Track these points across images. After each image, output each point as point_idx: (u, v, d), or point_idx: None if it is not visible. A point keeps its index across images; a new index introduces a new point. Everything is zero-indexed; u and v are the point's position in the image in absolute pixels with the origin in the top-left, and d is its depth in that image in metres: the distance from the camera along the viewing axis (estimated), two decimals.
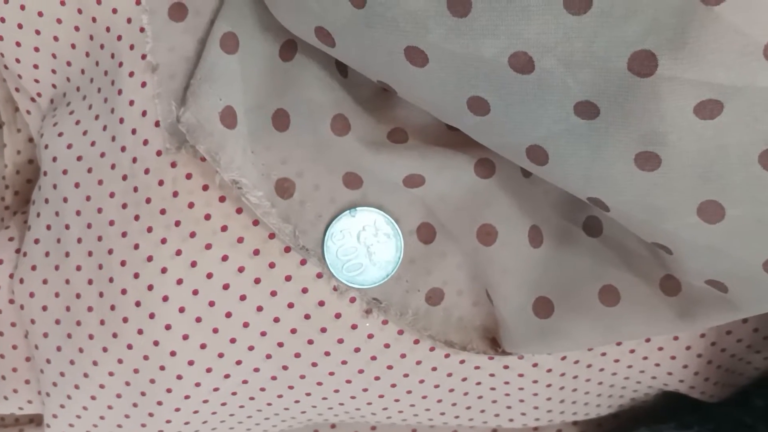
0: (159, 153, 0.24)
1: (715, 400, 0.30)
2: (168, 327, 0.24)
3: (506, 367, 0.26)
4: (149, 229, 0.24)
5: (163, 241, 0.24)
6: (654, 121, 0.18)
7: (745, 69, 0.17)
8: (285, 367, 0.25)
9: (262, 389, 0.26)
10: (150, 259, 0.24)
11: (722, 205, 0.19)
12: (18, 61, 0.27)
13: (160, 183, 0.24)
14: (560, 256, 0.24)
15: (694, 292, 0.22)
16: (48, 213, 0.27)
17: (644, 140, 0.19)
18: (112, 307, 0.25)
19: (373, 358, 0.25)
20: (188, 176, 0.24)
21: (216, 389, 0.26)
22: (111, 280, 0.25)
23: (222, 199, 0.24)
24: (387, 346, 0.25)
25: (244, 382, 0.26)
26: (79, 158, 0.26)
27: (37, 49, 0.27)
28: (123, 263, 0.25)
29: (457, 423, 0.29)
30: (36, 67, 0.27)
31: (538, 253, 0.24)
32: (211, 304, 0.24)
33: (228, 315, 0.24)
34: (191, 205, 0.24)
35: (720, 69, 0.17)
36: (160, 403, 0.26)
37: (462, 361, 0.26)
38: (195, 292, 0.24)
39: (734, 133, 0.18)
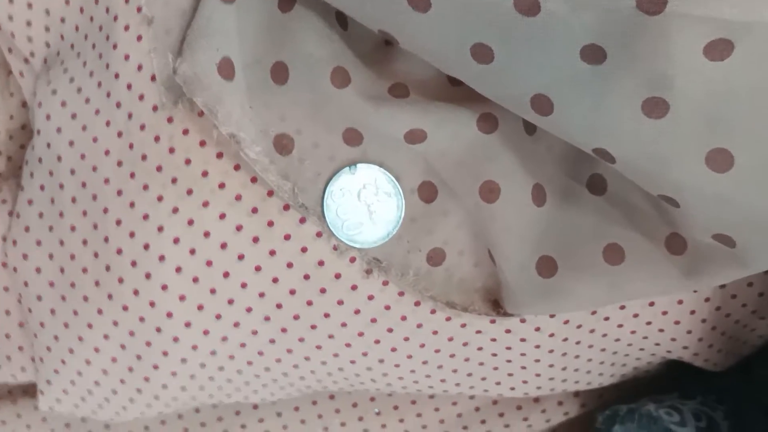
0: (155, 108, 0.24)
1: (718, 368, 0.30)
2: (164, 288, 0.24)
3: (508, 331, 0.26)
4: (145, 187, 0.24)
5: (160, 198, 0.24)
6: (662, 64, 0.18)
7: (754, 3, 0.17)
8: (284, 330, 0.25)
9: (261, 353, 0.26)
10: (146, 217, 0.24)
11: (731, 153, 0.19)
12: (11, 18, 0.27)
13: (156, 139, 0.24)
14: (564, 215, 0.24)
15: (700, 249, 0.22)
16: (41, 173, 0.26)
17: (652, 85, 0.18)
18: (107, 268, 0.24)
19: (373, 320, 0.25)
20: (185, 132, 0.23)
21: (213, 353, 0.25)
22: (106, 239, 0.24)
23: (219, 155, 0.23)
24: (387, 308, 0.25)
25: (242, 345, 0.25)
26: (73, 116, 0.25)
27: (30, 6, 0.26)
28: (118, 222, 0.24)
29: (458, 391, 0.29)
30: (29, 24, 0.27)
31: (542, 211, 0.24)
32: (209, 263, 0.24)
33: (226, 275, 0.24)
34: (188, 162, 0.23)
35: (727, 4, 0.17)
36: (156, 367, 0.25)
37: (463, 325, 0.26)
38: (192, 252, 0.24)
39: (744, 76, 0.18)
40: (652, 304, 0.26)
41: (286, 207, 0.24)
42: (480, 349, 0.27)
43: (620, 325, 0.27)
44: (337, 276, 0.24)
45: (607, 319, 0.26)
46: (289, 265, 0.24)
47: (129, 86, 0.24)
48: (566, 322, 0.26)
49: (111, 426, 0.31)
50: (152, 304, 0.24)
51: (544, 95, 0.20)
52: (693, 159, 0.19)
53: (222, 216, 0.24)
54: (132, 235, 0.24)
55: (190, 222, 0.24)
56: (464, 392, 0.29)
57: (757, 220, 0.20)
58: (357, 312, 0.25)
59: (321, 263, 0.24)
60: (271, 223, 0.24)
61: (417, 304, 0.25)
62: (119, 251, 0.24)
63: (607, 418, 0.30)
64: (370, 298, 0.25)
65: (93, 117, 0.25)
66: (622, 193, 0.24)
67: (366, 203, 0.24)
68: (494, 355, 0.27)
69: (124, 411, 0.27)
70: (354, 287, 0.24)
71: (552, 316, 0.26)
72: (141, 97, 0.24)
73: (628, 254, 0.23)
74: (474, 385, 0.28)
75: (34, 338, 0.27)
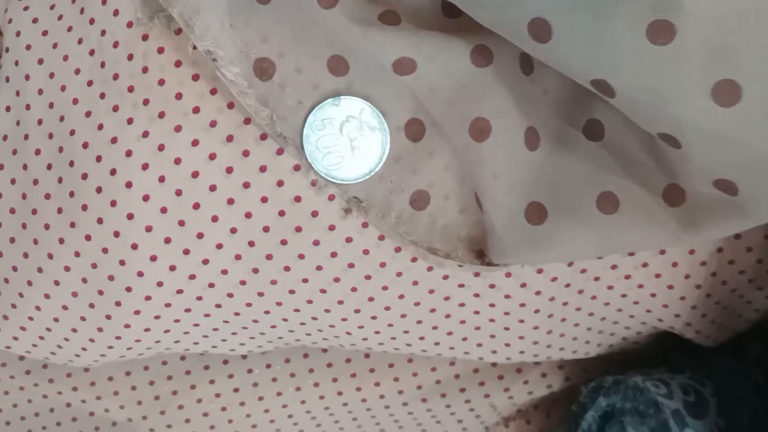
0: (130, 24, 0.22)
1: (710, 343, 0.28)
2: (130, 216, 0.23)
3: (492, 286, 0.25)
4: (115, 108, 0.22)
5: (130, 121, 0.22)
6: None
7: None
8: (255, 270, 0.24)
9: (230, 295, 0.24)
10: (114, 140, 0.22)
11: (739, 85, 0.17)
12: None
13: (129, 57, 0.22)
14: (557, 160, 0.23)
15: (700, 199, 0.21)
16: (8, 93, 0.25)
17: (658, 6, 0.17)
18: (71, 194, 0.23)
19: (351, 265, 0.24)
20: (160, 50, 0.22)
21: (180, 291, 0.24)
22: (71, 164, 0.23)
23: (195, 77, 0.22)
24: (366, 252, 0.23)
25: (211, 285, 0.24)
26: (44, 33, 0.24)
27: None
28: (85, 145, 0.23)
29: (437, 351, 0.28)
30: None
31: (534, 156, 0.22)
32: (178, 193, 0.22)
33: (196, 207, 0.23)
34: (161, 83, 0.22)
35: None
36: (118, 304, 0.24)
37: (445, 277, 0.24)
38: (161, 179, 0.22)
39: None
40: (645, 265, 0.25)
41: (263, 136, 0.22)
42: (462, 305, 0.25)
43: (610, 287, 0.25)
44: (314, 214, 0.23)
45: (597, 279, 0.25)
46: (264, 200, 0.23)
47: (104, 1, 0.23)
48: (554, 279, 0.25)
49: (73, 374, 0.30)
50: (116, 234, 0.23)
51: (543, 19, 0.19)
52: (697, 91, 0.18)
53: (195, 142, 0.22)
54: (99, 159, 0.23)
55: (161, 147, 0.22)
56: (444, 353, 0.28)
57: (762, 161, 0.18)
58: (333, 255, 0.23)
59: (297, 199, 0.23)
60: (246, 153, 0.22)
61: (397, 250, 0.24)
62: (84, 176, 0.23)
63: (592, 390, 0.29)
64: (348, 240, 0.23)
65: (65, 34, 0.23)
66: (619, 141, 0.22)
67: (349, 137, 0.22)
68: (476, 312, 0.26)
69: (84, 352, 0.26)
70: (331, 227, 0.23)
71: (539, 272, 0.25)
72: (116, 13, 0.22)
73: (622, 203, 0.22)
74: (454, 345, 0.27)
75: None
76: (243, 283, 0.24)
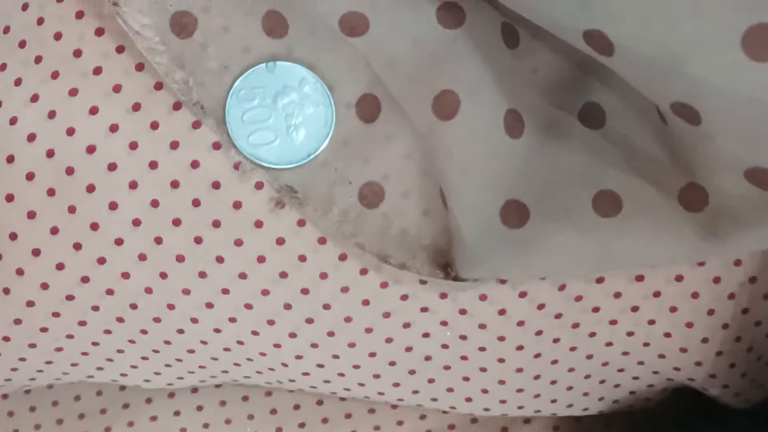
0: None
1: (741, 403, 0.23)
2: (9, 198, 0.18)
3: (463, 311, 0.20)
4: (2, 67, 0.19)
5: (17, 82, 0.18)
6: None
7: None
8: (163, 275, 0.19)
9: (133, 306, 0.20)
10: None
11: None
12: None
13: (24, 7, 0.19)
14: (545, 151, 0.18)
15: (727, 201, 0.16)
16: None
17: None
18: None
19: (283, 275, 0.19)
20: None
21: (70, 297, 0.19)
22: None
23: (99, 32, 0.18)
24: (302, 259, 0.19)
25: (109, 292, 0.19)
26: None
27: None
28: None
29: (397, 396, 0.22)
30: None
31: (515, 144, 0.18)
32: (69, 171, 0.18)
33: (90, 189, 0.18)
34: (58, 36, 0.18)
35: None
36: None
37: (404, 297, 0.19)
38: (49, 154, 0.18)
39: None
40: (657, 294, 0.20)
41: (177, 105, 0.18)
42: (426, 335, 0.20)
43: (613, 322, 0.20)
44: (237, 206, 0.18)
45: (596, 310, 0.20)
46: (174, 185, 0.18)
47: None
48: (540, 307, 0.20)
49: None
50: None
51: None
52: (724, 38, 0.13)
53: (93, 110, 0.18)
54: None
55: (51, 114, 0.18)
56: (406, 399, 0.22)
57: None
58: (261, 260, 0.19)
59: (216, 185, 0.18)
60: (155, 125, 0.18)
61: (342, 258, 0.19)
62: None
63: None
64: (279, 242, 0.19)
65: None
66: (624, 130, 0.18)
67: (284, 111, 0.18)
68: (445, 347, 0.20)
69: None
70: (258, 224, 0.18)
71: (522, 295, 0.20)
72: None
73: (626, 204, 0.17)
74: (419, 389, 0.22)
75: None
76: (149, 291, 0.19)
